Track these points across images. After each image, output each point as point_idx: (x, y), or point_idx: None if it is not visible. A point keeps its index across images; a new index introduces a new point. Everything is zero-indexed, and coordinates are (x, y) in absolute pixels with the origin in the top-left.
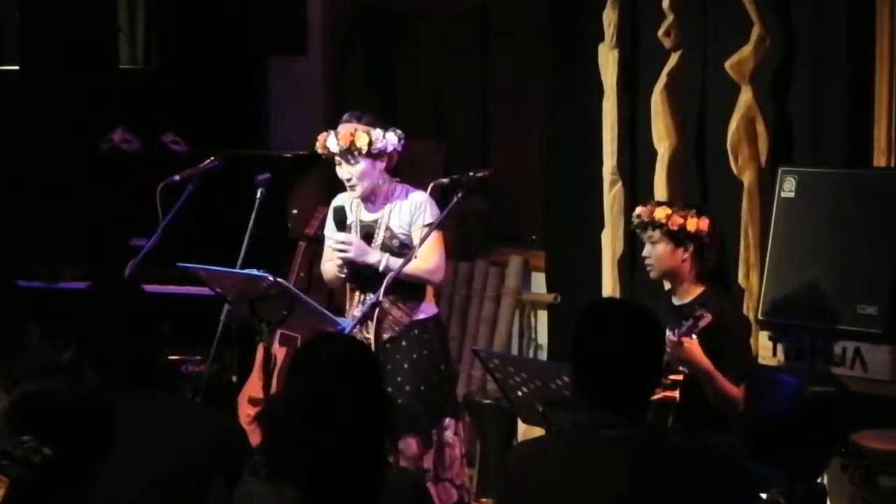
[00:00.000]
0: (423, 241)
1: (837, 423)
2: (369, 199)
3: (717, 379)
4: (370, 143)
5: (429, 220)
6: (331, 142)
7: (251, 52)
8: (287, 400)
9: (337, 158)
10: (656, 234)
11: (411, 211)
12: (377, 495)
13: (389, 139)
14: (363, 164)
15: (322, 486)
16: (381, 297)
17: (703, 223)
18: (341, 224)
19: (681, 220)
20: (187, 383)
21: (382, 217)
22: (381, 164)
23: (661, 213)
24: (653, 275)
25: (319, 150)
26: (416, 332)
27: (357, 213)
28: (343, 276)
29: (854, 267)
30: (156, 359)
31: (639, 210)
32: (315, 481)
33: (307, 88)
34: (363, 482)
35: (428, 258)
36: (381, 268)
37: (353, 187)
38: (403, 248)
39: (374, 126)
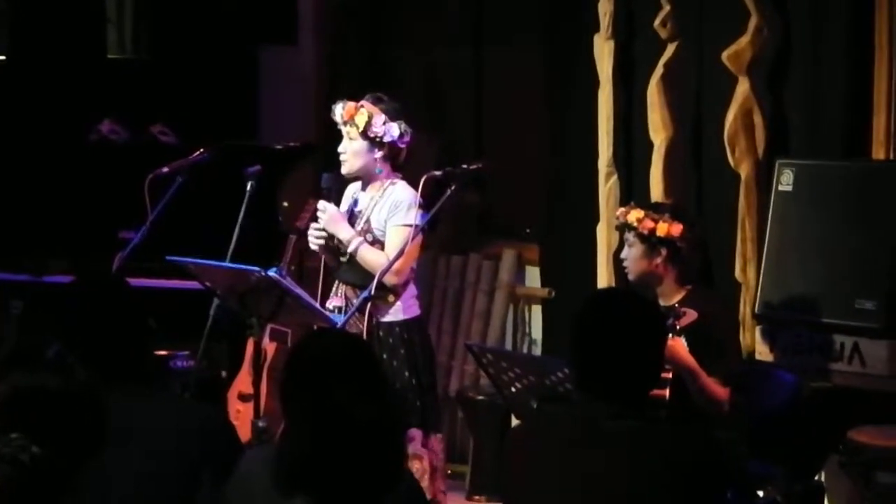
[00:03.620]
0: (412, 238)
1: (835, 419)
2: (363, 183)
3: (702, 378)
4: (367, 124)
5: (402, 221)
6: (337, 110)
7: (242, 41)
8: (298, 415)
9: (342, 130)
10: (630, 236)
11: (390, 209)
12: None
13: (388, 128)
14: (359, 144)
15: (337, 493)
16: (372, 292)
17: (675, 228)
18: (327, 191)
19: (651, 225)
20: (176, 379)
21: (367, 207)
22: (377, 153)
23: (633, 216)
24: (630, 277)
25: (333, 117)
26: (380, 334)
27: (354, 196)
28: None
29: (852, 261)
30: (142, 354)
31: (619, 211)
32: (329, 491)
33: (298, 78)
34: (380, 483)
35: (392, 257)
36: (349, 248)
37: (343, 162)
38: (374, 244)
39: (383, 112)
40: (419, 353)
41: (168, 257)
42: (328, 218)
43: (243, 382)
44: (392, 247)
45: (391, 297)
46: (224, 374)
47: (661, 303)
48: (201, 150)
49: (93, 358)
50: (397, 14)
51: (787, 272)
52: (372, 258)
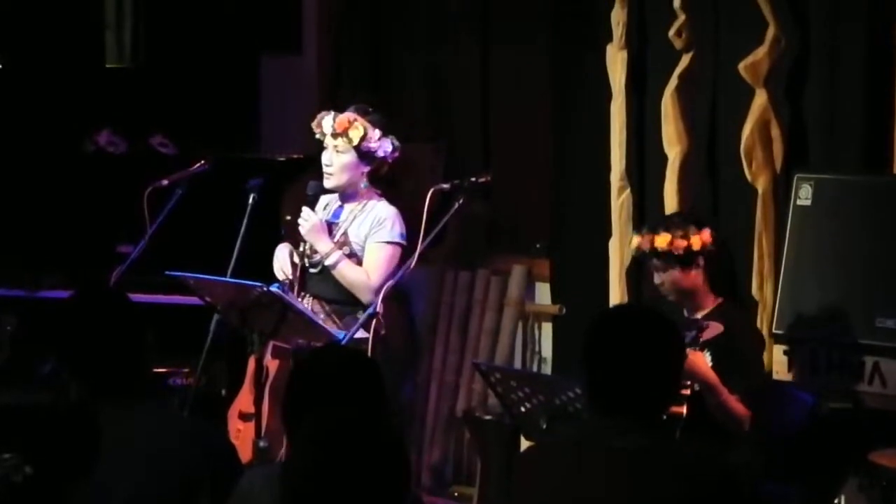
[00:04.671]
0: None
1: (855, 441)
2: (343, 196)
3: (722, 394)
4: (362, 138)
5: (386, 238)
6: (326, 122)
7: (243, 50)
8: (302, 434)
9: (325, 142)
10: (660, 262)
11: (371, 224)
12: None
13: (383, 144)
14: (348, 157)
15: None
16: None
17: (706, 235)
18: (313, 198)
19: (684, 243)
20: (175, 397)
21: (345, 220)
22: (365, 168)
23: (662, 242)
24: (671, 298)
25: (314, 128)
26: None
27: (332, 207)
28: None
29: (873, 278)
30: (141, 370)
31: (637, 241)
32: None
33: (301, 88)
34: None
35: (371, 274)
36: (327, 261)
37: (329, 175)
38: (351, 258)
39: (375, 126)
40: (386, 371)
41: (167, 272)
42: (310, 227)
43: (244, 401)
44: (372, 263)
45: (360, 313)
46: (224, 392)
47: (690, 315)
48: (202, 161)
49: (89, 374)
50: (402, 22)
51: (805, 289)
52: (350, 273)
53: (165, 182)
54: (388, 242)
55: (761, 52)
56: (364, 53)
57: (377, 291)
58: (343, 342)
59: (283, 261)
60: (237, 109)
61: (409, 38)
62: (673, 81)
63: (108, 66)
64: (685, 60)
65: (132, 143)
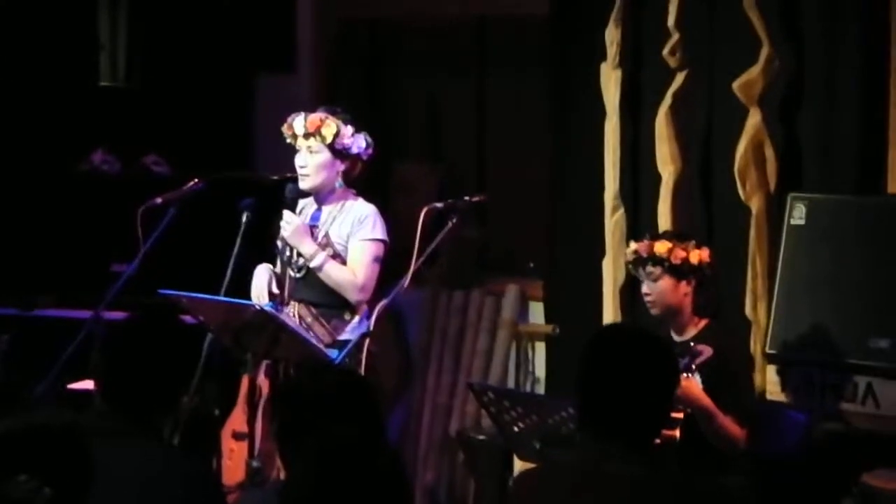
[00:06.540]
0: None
1: (848, 462)
2: (319, 199)
3: (718, 417)
4: (336, 135)
5: (369, 235)
6: (297, 122)
7: (238, 70)
8: (298, 460)
9: (297, 144)
10: (657, 269)
11: (352, 223)
12: None
13: (357, 140)
14: (323, 156)
15: None
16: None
17: (705, 254)
18: (292, 202)
19: (683, 254)
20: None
21: (325, 222)
22: (340, 166)
23: (661, 248)
24: (655, 311)
25: (285, 132)
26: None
27: (307, 212)
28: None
29: (866, 298)
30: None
31: (635, 246)
32: None
33: (296, 108)
34: None
35: (357, 272)
36: (312, 263)
37: (304, 177)
38: (335, 259)
39: (347, 124)
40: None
41: (160, 291)
42: (293, 230)
43: (237, 421)
44: (357, 261)
45: (347, 315)
46: (217, 411)
47: (676, 338)
48: (195, 180)
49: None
50: (397, 41)
51: (798, 310)
52: (336, 273)
53: (159, 201)
54: (371, 240)
55: (755, 71)
56: (359, 75)
57: (364, 289)
58: (336, 361)
59: (259, 289)
60: (232, 129)
61: (405, 59)
62: (667, 101)
63: (102, 85)
64: (679, 79)
65: (126, 162)
